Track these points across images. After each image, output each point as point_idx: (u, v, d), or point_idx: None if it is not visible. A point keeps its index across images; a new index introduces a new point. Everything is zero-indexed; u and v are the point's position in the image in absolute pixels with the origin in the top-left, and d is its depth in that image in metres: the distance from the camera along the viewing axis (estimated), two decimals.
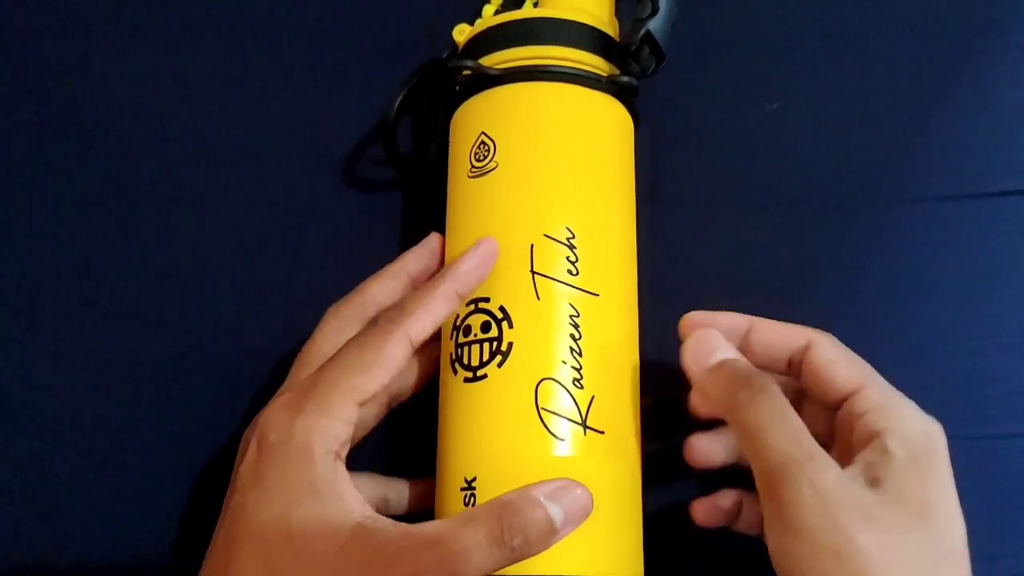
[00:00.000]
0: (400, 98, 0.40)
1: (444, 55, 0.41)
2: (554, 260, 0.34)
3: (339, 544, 0.28)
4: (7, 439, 0.40)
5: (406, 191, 0.44)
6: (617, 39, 0.39)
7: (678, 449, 0.37)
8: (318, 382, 0.31)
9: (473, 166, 0.36)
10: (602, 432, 0.32)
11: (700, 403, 0.33)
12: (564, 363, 0.33)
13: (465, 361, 0.34)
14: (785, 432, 0.29)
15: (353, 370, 0.31)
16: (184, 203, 0.44)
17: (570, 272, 0.34)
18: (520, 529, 0.29)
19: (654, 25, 0.37)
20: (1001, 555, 0.39)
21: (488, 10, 0.42)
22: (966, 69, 0.45)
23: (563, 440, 0.32)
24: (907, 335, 0.41)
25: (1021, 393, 0.41)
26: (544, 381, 0.32)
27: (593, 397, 0.33)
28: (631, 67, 0.38)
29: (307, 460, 0.29)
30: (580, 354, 0.33)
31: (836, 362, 0.33)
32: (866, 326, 0.41)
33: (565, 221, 0.34)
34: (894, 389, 0.32)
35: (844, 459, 0.30)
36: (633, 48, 0.37)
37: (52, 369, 0.41)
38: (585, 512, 0.31)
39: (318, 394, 0.31)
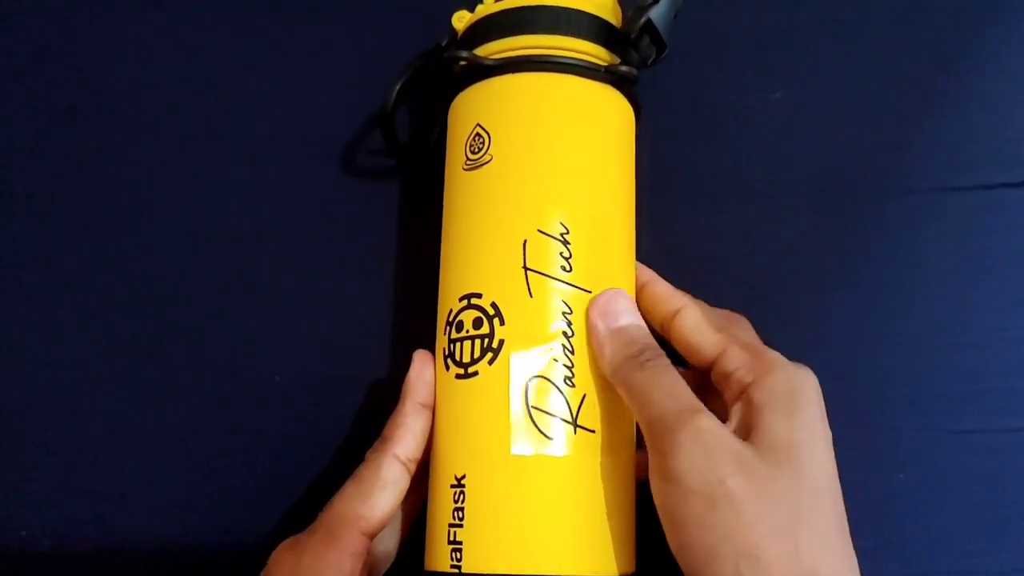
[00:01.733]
0: (398, 87, 0.39)
1: (444, 43, 0.40)
2: (547, 256, 0.33)
3: None
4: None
5: (405, 180, 0.44)
6: (619, 27, 0.38)
7: None
8: (322, 521, 0.33)
9: (468, 158, 0.36)
10: (593, 431, 0.32)
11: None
12: (556, 361, 0.32)
13: (457, 357, 0.34)
14: (667, 389, 0.31)
15: (353, 502, 0.32)
16: (178, 188, 0.44)
17: (564, 268, 0.33)
18: None
19: (656, 14, 0.36)
20: (1001, 549, 0.38)
21: None
22: (970, 58, 0.44)
23: (552, 439, 0.32)
24: (908, 326, 0.41)
25: (1022, 387, 0.40)
26: (535, 379, 0.32)
27: (584, 396, 0.32)
28: (631, 56, 0.37)
29: None
30: (572, 352, 0.33)
31: (697, 327, 0.34)
32: (868, 316, 0.41)
33: (559, 216, 0.34)
34: (760, 344, 0.33)
35: (722, 418, 0.31)
36: (633, 37, 0.36)
37: (36, 356, 0.42)
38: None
39: (321, 530, 0.32)
